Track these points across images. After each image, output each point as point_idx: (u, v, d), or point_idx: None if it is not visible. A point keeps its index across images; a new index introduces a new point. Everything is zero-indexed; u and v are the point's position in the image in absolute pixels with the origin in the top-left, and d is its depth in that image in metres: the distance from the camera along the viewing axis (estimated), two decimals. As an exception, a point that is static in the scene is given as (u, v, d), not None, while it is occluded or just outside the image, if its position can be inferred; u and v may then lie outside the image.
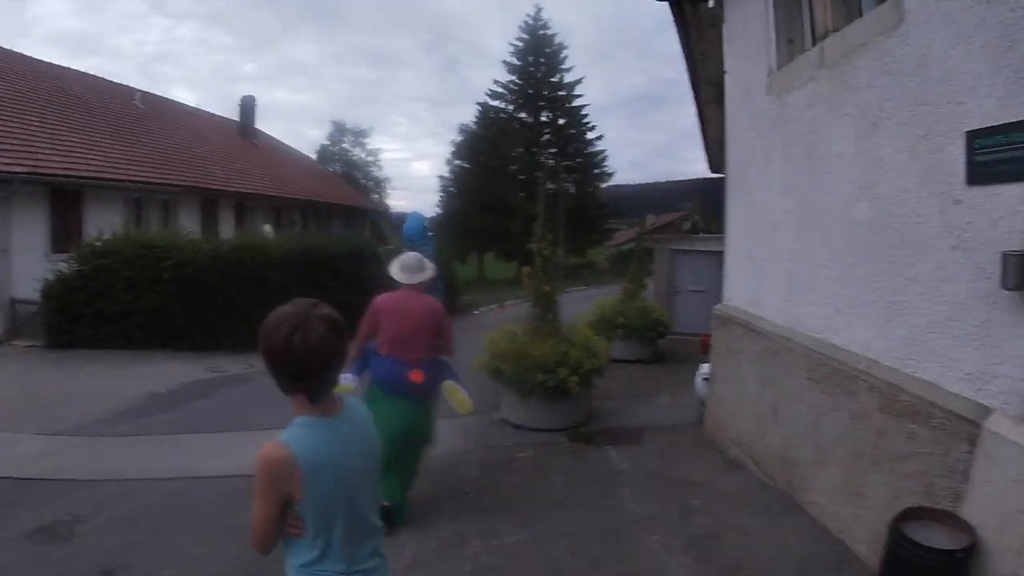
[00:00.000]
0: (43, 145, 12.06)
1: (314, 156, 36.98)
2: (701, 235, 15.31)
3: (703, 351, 7.17)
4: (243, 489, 4.49)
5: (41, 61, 16.33)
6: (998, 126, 2.49)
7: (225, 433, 5.96)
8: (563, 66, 33.17)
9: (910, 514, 2.65)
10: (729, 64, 5.88)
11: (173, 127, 18.84)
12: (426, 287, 4.15)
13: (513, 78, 33.10)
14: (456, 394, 4.18)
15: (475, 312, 16.38)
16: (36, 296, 10.04)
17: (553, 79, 33.06)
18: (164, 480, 4.75)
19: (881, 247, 3.41)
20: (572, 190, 31.28)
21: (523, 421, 6.11)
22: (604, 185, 35.09)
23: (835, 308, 3.91)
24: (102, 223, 10.99)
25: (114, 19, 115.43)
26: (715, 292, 7.92)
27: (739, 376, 5.21)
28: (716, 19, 6.25)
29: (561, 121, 33.66)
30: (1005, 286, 2.44)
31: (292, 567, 1.58)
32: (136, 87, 19.52)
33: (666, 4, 6.83)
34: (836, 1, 4.01)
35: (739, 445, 5.05)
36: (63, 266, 10.07)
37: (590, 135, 33.97)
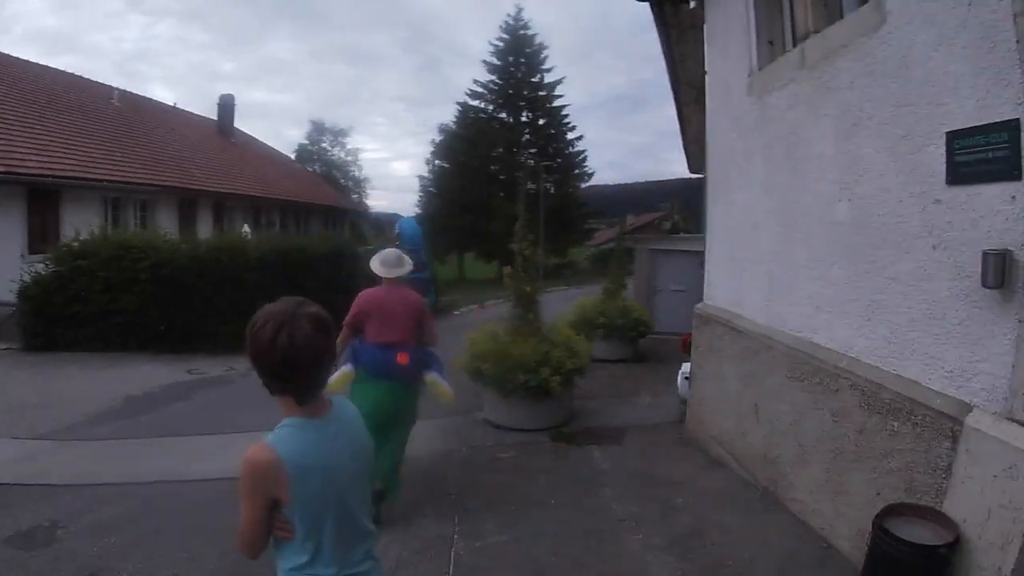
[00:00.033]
0: (20, 144, 11.86)
1: (293, 156, 36.63)
2: (681, 235, 15.44)
3: (684, 350, 7.22)
4: (225, 492, 4.46)
5: (19, 59, 16.07)
6: (979, 127, 2.52)
7: (205, 436, 5.88)
8: (543, 66, 33.22)
9: (893, 510, 2.67)
10: (710, 65, 5.91)
11: (151, 126, 18.67)
12: (421, 289, 4.43)
13: (493, 78, 33.05)
14: (438, 386, 4.30)
15: (455, 312, 16.29)
16: (12, 298, 9.85)
17: (533, 79, 33.07)
18: (144, 484, 4.66)
19: (862, 247, 3.44)
20: (552, 190, 31.31)
21: (505, 421, 6.09)
22: (584, 185, 35.21)
23: (816, 307, 3.95)
24: (79, 223, 10.86)
25: (91, 17, 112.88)
26: (695, 292, 7.97)
27: (720, 375, 5.24)
28: (697, 20, 6.28)
29: (541, 121, 33.69)
30: (985, 284, 2.48)
31: (282, 571, 1.54)
32: (114, 86, 19.39)
33: (647, 4, 6.86)
34: (817, 2, 4.04)
35: (720, 443, 5.08)
36: (40, 267, 9.90)
37: (570, 135, 34.06)
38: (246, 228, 15.18)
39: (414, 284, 4.58)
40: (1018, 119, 2.32)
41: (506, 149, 32.63)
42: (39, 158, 11.91)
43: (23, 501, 4.25)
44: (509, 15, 33.36)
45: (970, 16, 2.53)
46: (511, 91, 32.83)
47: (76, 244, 9.97)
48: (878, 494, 3.02)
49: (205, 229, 16.01)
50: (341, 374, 4.05)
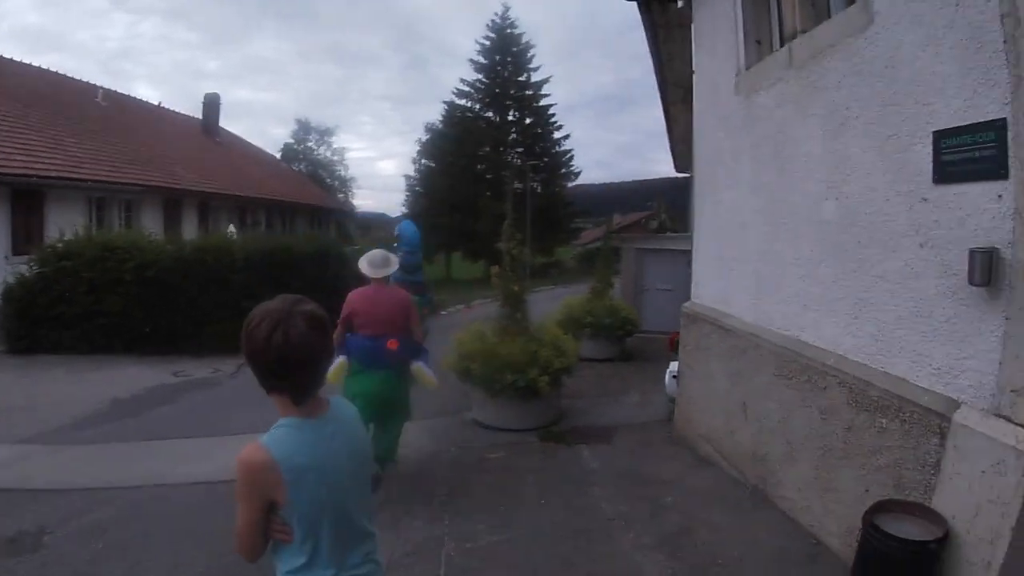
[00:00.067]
0: (4, 144, 11.67)
1: (278, 155, 36.36)
2: (668, 234, 15.50)
3: (671, 349, 7.23)
4: (213, 496, 4.48)
5: (1, 57, 15.83)
6: (965, 126, 2.54)
7: (192, 439, 5.84)
8: (530, 65, 33.17)
9: (882, 507, 2.69)
10: (697, 64, 5.93)
11: (136, 125, 18.48)
12: (417, 291, 4.87)
13: (480, 77, 32.95)
14: (423, 374, 4.59)
15: (443, 312, 16.24)
16: (-4, 300, 9.71)
17: (520, 78, 33.02)
18: (131, 488, 4.61)
19: (849, 245, 3.46)
20: (539, 189, 31.31)
21: (493, 421, 6.06)
22: (571, 184, 35.23)
23: (803, 305, 3.97)
24: (64, 224, 10.75)
25: (76, 15, 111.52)
26: (682, 290, 8.00)
27: (708, 373, 5.26)
28: (684, 19, 6.30)
29: (528, 120, 33.65)
30: (972, 282, 2.50)
31: (281, 573, 1.52)
32: (99, 85, 19.19)
33: (634, 4, 6.87)
34: (804, 2, 4.07)
35: (709, 442, 5.10)
36: (24, 268, 9.78)
37: (557, 134, 34.04)
38: (231, 228, 15.07)
39: (410, 286, 4.90)
40: (1005, 119, 2.34)
41: (493, 148, 32.59)
42: (23, 158, 11.73)
43: (8, 506, 4.20)
44: (496, 14, 33.33)
45: (957, 17, 2.55)
46: (498, 90, 32.77)
47: (60, 245, 9.88)
48: (867, 491, 3.05)
49: (190, 229, 15.86)
50: (336, 366, 4.24)
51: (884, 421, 3.01)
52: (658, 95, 10.24)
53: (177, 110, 24.28)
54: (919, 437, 2.77)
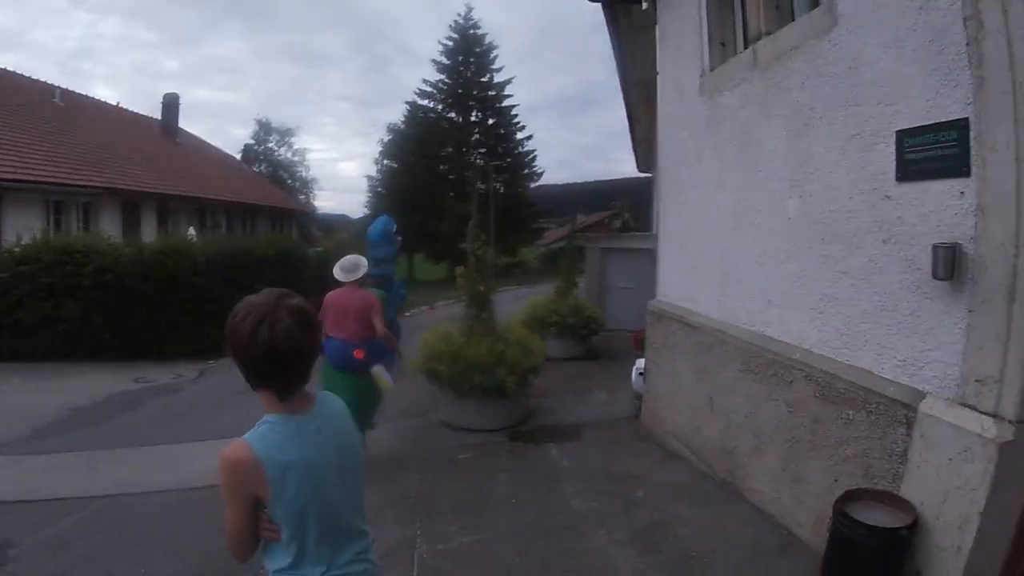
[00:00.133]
0: (-42, 145, 11.06)
1: (239, 156, 35.46)
2: (631, 233, 15.67)
3: (636, 347, 7.31)
4: (180, 505, 4.36)
5: (-46, 57, 15.01)
6: (929, 125, 2.63)
7: (156, 446, 5.71)
8: (493, 66, 33.09)
9: (852, 496, 2.76)
10: (662, 65, 6.00)
11: (94, 126, 17.80)
12: (382, 284, 5.40)
13: (443, 77, 32.73)
14: (380, 378, 4.91)
15: (407, 313, 16.05)
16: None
17: (483, 79, 32.93)
18: (95, 498, 4.47)
19: (813, 242, 3.55)
20: (502, 190, 31.29)
21: (461, 422, 6.02)
22: (533, 185, 35.31)
23: (768, 301, 4.05)
24: (20, 227, 10.32)
25: (35, 13, 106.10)
26: (645, 289, 8.08)
27: (674, 370, 5.32)
28: (649, 21, 6.36)
29: (491, 121, 33.58)
30: (936, 276, 2.58)
31: (270, 573, 1.50)
32: (56, 84, 18.41)
33: (598, 6, 6.92)
34: (769, 5, 4.15)
35: (677, 437, 5.16)
36: None
37: (519, 135, 34.06)
38: (191, 231, 14.75)
39: (376, 279, 5.27)
40: (967, 118, 2.42)
41: (455, 149, 32.42)
42: (-22, 159, 11.19)
43: (-31, 520, 4.02)
44: (459, 14, 33.21)
45: (921, 19, 2.63)
46: (461, 91, 32.62)
47: (18, 249, 9.52)
48: (836, 481, 3.12)
49: (149, 232, 15.34)
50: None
51: (851, 412, 3.09)
52: (621, 96, 10.34)
53: (136, 110, 23.60)
54: (886, 427, 2.84)
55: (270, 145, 41.11)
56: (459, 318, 6.48)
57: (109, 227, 13.60)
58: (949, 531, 2.41)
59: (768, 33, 4.09)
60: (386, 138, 34.43)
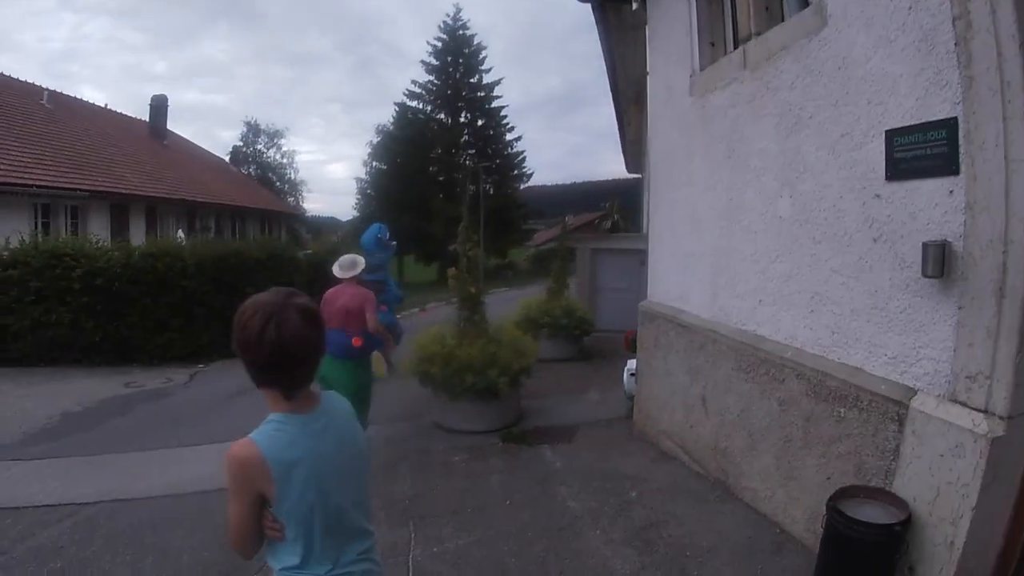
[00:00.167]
0: (-56, 148, 10.97)
1: (227, 158, 35.26)
2: (621, 234, 15.70)
3: (627, 347, 7.32)
4: (171, 510, 4.32)
5: (-60, 59, 14.90)
6: (918, 124, 2.65)
7: (147, 451, 5.65)
8: (482, 67, 33.03)
9: (845, 493, 2.77)
10: (652, 65, 6.02)
11: (82, 129, 17.69)
12: (375, 288, 5.54)
13: (432, 78, 32.65)
14: (377, 362, 5.14)
15: (397, 316, 16.00)
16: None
17: (472, 80, 32.88)
18: (86, 505, 4.41)
19: (804, 241, 3.57)
20: (491, 191, 31.28)
21: (454, 424, 6.01)
22: (523, 186, 35.31)
23: (759, 300, 4.07)
24: (8, 231, 10.22)
25: (20, 14, 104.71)
26: (636, 289, 8.11)
27: (667, 370, 5.33)
28: (639, 21, 6.39)
29: (480, 122, 33.51)
30: (926, 274, 2.60)
31: (276, 572, 1.50)
32: (43, 86, 18.29)
33: (588, 5, 6.94)
34: (759, 6, 4.17)
35: (670, 437, 5.17)
36: None
37: (509, 136, 34.05)
38: (180, 233, 14.72)
39: (369, 285, 5.34)
40: (956, 117, 2.45)
41: (445, 150, 32.36)
42: (-36, 162, 11.10)
43: (-42, 528, 3.96)
44: (448, 15, 33.13)
45: (910, 19, 2.65)
46: (449, 92, 32.55)
47: (6, 253, 9.41)
48: (829, 478, 3.14)
49: (138, 235, 15.24)
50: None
51: (843, 410, 3.10)
52: (610, 97, 10.38)
53: (124, 112, 23.52)
54: (877, 424, 2.86)
55: (259, 147, 40.95)
56: (451, 320, 6.47)
57: (98, 230, 13.53)
58: (942, 526, 2.43)
59: (758, 33, 4.11)
60: (375, 140, 34.30)
